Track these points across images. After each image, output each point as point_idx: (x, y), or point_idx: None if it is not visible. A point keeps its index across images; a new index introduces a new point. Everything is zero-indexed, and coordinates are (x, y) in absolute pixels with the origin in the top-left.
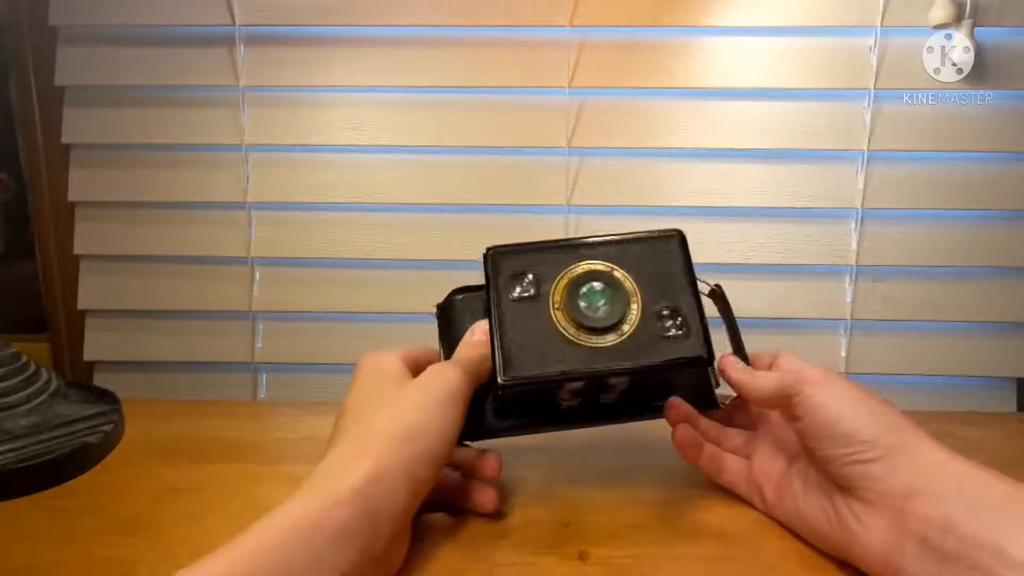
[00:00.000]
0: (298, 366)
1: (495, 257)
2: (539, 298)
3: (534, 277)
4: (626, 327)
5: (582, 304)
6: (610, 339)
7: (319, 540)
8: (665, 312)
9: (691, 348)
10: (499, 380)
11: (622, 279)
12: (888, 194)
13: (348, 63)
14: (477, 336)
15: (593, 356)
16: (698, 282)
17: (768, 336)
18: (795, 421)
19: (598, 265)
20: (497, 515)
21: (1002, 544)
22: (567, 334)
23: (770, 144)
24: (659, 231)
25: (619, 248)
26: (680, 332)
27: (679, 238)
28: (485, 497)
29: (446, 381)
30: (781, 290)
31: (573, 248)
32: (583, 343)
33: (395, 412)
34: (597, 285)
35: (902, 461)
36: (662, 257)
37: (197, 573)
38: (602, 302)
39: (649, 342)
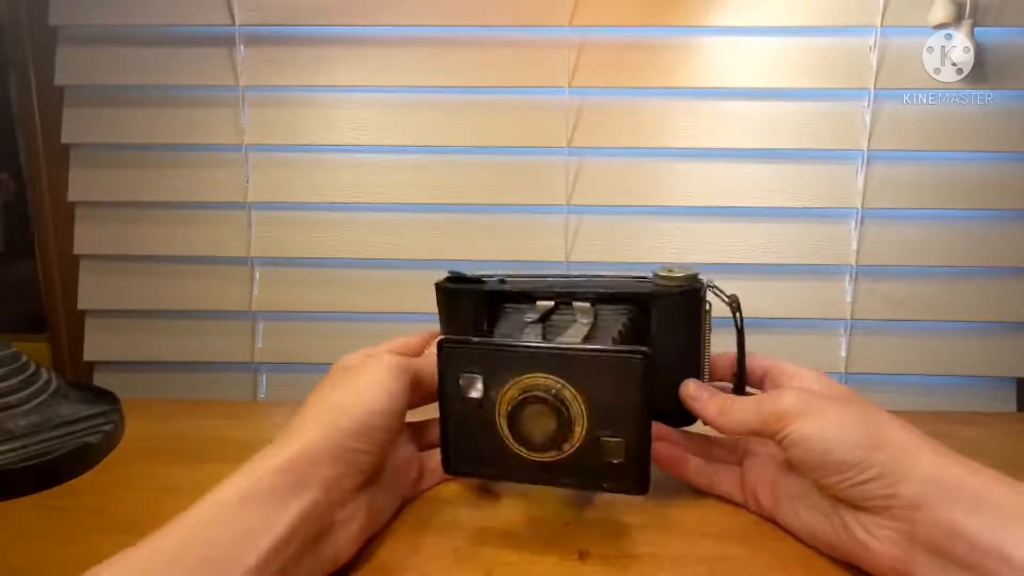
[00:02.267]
0: (298, 366)
1: (448, 352)
2: (487, 402)
3: (483, 381)
4: (567, 447)
5: (524, 421)
6: (550, 455)
7: (248, 510)
8: (609, 440)
9: (626, 482)
10: (443, 466)
11: (571, 400)
12: (888, 194)
13: (348, 63)
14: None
15: (532, 468)
16: (715, 292)
17: (768, 336)
18: (783, 451)
19: (548, 380)
20: (496, 514)
21: (1005, 548)
22: (508, 442)
23: (770, 144)
24: (625, 351)
25: (577, 362)
26: (619, 461)
27: (644, 365)
28: None
29: (382, 367)
30: (781, 290)
31: (527, 356)
32: (522, 454)
33: (329, 393)
34: (539, 408)
35: (900, 472)
36: (621, 380)
37: (141, 551)
38: (544, 424)
39: (589, 465)
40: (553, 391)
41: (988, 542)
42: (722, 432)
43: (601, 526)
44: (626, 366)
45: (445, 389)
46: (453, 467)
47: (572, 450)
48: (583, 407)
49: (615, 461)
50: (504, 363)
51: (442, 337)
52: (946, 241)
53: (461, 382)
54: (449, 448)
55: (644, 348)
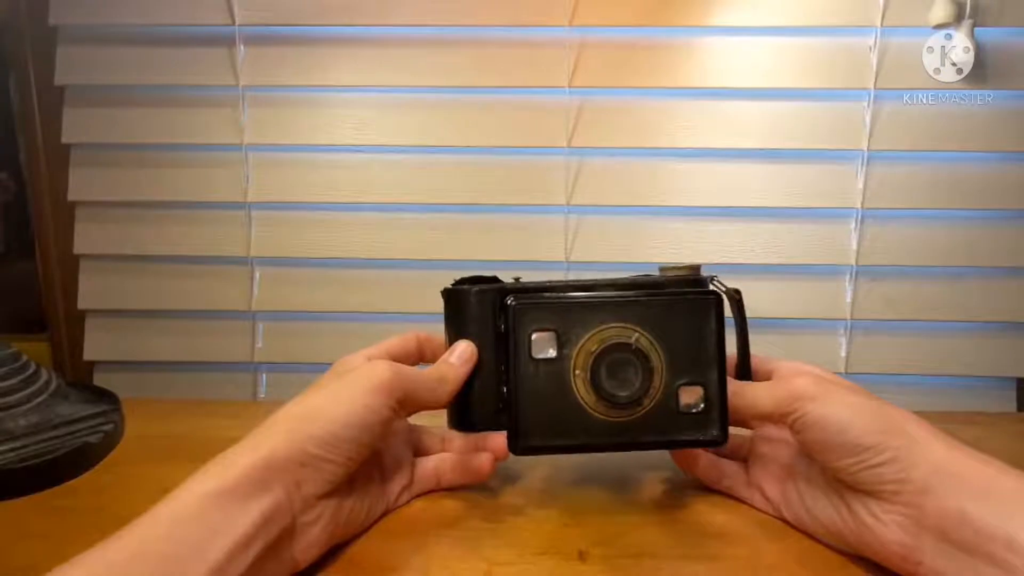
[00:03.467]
0: (298, 366)
1: (518, 311)
2: (560, 361)
3: (557, 337)
4: (647, 401)
5: (604, 377)
6: (629, 413)
7: (214, 508)
8: (688, 387)
9: (708, 430)
10: (510, 445)
11: (649, 350)
12: (888, 194)
13: (348, 63)
14: (454, 358)
15: (610, 430)
16: (717, 284)
17: (768, 336)
18: (795, 435)
19: (625, 330)
20: (496, 514)
21: (1012, 534)
22: (586, 404)
23: (770, 144)
24: (699, 293)
25: (651, 309)
26: (699, 410)
27: (717, 303)
28: (481, 460)
29: (371, 380)
30: (781, 290)
31: (601, 306)
32: (600, 416)
33: (306, 398)
34: (622, 358)
35: (912, 458)
36: (695, 323)
37: (109, 547)
38: (626, 377)
39: (667, 418)
40: (633, 339)
41: (995, 529)
42: (737, 416)
43: (601, 526)
44: (702, 306)
45: (515, 354)
46: (524, 443)
47: (651, 405)
48: (661, 355)
49: (695, 410)
50: (579, 316)
51: (510, 297)
52: (946, 241)
53: (533, 341)
54: (520, 422)
55: (714, 288)
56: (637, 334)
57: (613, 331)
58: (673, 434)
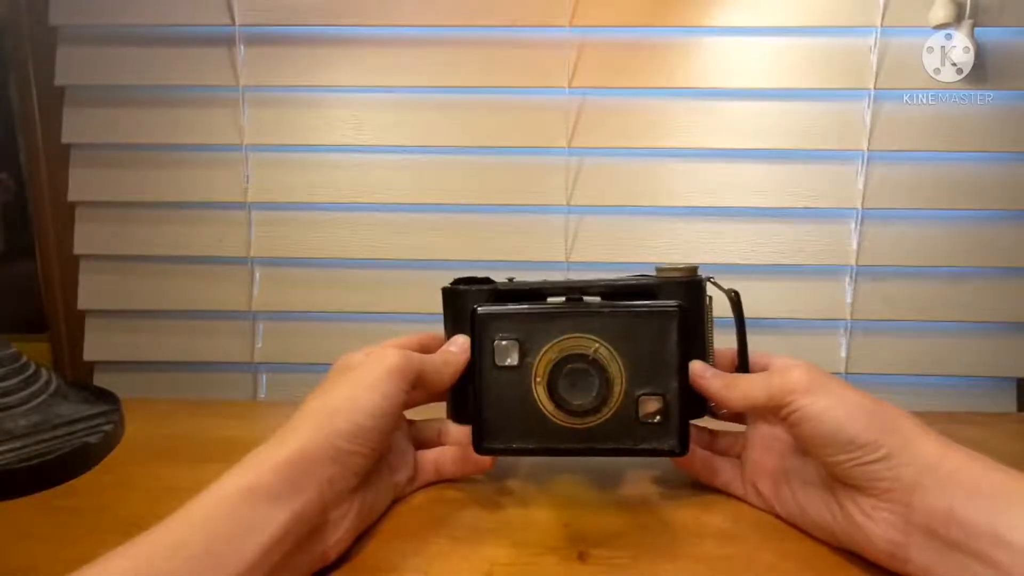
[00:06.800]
0: (298, 366)
1: (483, 320)
2: (522, 369)
3: (519, 346)
4: (605, 410)
5: (563, 386)
6: (588, 420)
7: (247, 507)
8: (648, 397)
9: (667, 440)
10: (474, 445)
11: (608, 360)
12: (888, 194)
13: (348, 63)
14: (455, 348)
15: (569, 436)
16: (715, 284)
17: (768, 336)
18: (789, 428)
19: (586, 340)
20: (496, 514)
21: (999, 531)
22: (546, 411)
23: (770, 144)
24: (660, 306)
25: (612, 321)
26: (659, 420)
27: (679, 316)
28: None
29: (382, 367)
30: (781, 290)
31: (563, 317)
32: (560, 422)
33: (327, 393)
34: (580, 368)
35: (905, 457)
36: (657, 336)
37: (147, 540)
38: (584, 387)
39: (627, 426)
40: (592, 350)
41: (983, 526)
42: (728, 407)
43: (601, 526)
44: (663, 319)
45: (479, 360)
46: (487, 444)
47: (610, 413)
48: (621, 366)
49: (654, 421)
50: (541, 326)
51: (476, 305)
52: (946, 241)
53: (496, 349)
54: (483, 424)
55: (678, 302)
56: (597, 345)
57: (573, 342)
58: (632, 443)
